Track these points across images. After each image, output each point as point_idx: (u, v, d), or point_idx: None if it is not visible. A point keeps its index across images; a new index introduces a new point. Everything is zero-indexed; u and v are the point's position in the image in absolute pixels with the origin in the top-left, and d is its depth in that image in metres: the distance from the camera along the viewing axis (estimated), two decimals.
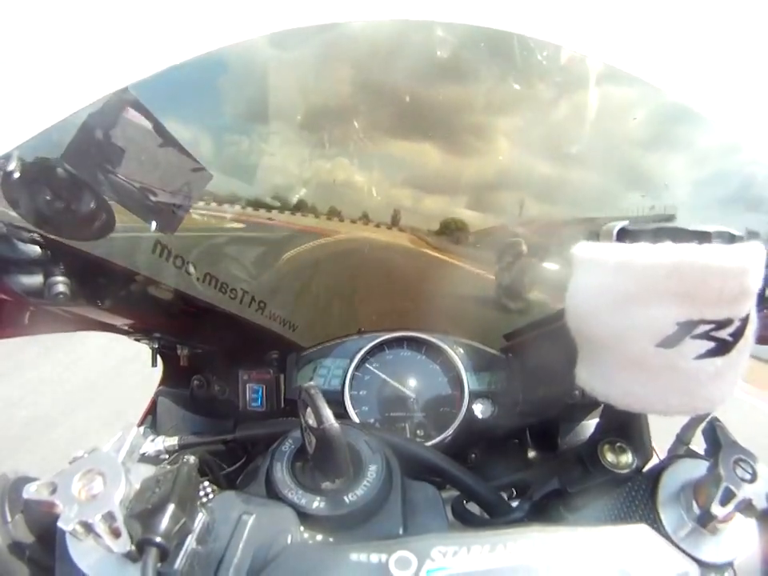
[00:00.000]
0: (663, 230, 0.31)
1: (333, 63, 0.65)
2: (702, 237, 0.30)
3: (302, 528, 0.31)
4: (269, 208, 0.73)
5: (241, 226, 0.73)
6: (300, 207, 0.75)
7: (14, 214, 0.44)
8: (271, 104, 0.66)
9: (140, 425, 0.74)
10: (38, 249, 0.46)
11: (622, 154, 0.69)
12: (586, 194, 0.71)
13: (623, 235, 0.33)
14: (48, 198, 0.46)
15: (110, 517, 0.25)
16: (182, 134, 0.55)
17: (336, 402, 0.67)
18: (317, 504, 0.33)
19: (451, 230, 0.76)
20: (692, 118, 0.60)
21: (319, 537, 0.31)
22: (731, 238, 0.31)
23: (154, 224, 0.54)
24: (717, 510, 0.30)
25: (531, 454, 0.71)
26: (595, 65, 0.61)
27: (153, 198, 0.52)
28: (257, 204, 0.73)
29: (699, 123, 0.61)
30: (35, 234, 0.46)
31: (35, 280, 0.47)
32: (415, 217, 0.77)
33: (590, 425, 0.70)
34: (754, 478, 0.31)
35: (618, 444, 0.43)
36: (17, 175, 0.43)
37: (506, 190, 0.75)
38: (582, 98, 0.63)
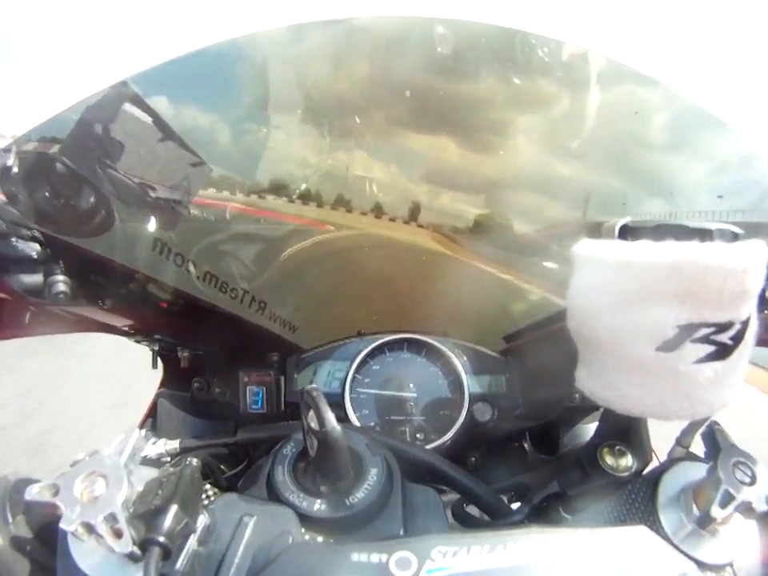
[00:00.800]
0: (665, 226, 0.31)
1: (347, 56, 0.65)
2: (704, 234, 0.30)
3: (302, 530, 0.31)
4: (273, 195, 0.73)
5: (242, 221, 0.73)
6: (310, 197, 0.75)
7: (14, 211, 0.44)
8: (285, 94, 0.66)
9: (141, 427, 0.74)
10: (38, 247, 0.46)
11: (640, 158, 0.69)
12: (605, 197, 0.71)
13: (625, 232, 0.33)
14: (47, 194, 0.46)
15: (112, 518, 0.25)
16: (197, 120, 0.55)
17: (336, 404, 0.67)
18: (317, 506, 0.33)
19: (491, 229, 0.75)
20: (713, 125, 0.61)
21: (320, 539, 0.31)
22: (733, 237, 0.31)
23: (153, 220, 0.54)
24: (716, 512, 0.30)
25: (531, 457, 0.71)
26: (617, 67, 0.61)
27: (152, 194, 0.52)
28: (265, 191, 0.73)
29: (720, 130, 0.61)
30: (35, 232, 0.46)
31: (35, 279, 0.47)
32: (435, 213, 0.77)
33: (590, 428, 0.70)
34: (753, 481, 0.31)
35: (618, 447, 0.43)
36: (15, 171, 0.43)
37: (526, 191, 0.75)
38: (601, 99, 0.63)
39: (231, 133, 0.67)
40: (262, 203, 0.73)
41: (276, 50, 0.62)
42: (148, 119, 0.48)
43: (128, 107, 0.47)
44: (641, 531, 0.28)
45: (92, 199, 0.48)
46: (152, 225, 0.55)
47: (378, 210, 0.76)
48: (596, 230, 0.35)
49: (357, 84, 0.67)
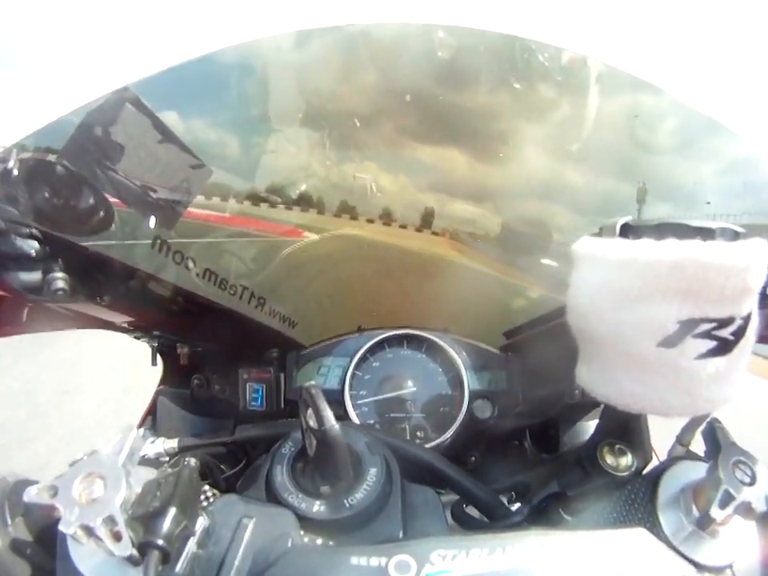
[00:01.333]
0: (666, 225, 0.31)
1: (349, 62, 0.65)
2: (706, 233, 0.30)
3: (302, 532, 0.31)
4: (271, 200, 0.73)
5: (234, 234, 0.73)
6: (311, 203, 0.74)
7: (13, 210, 0.44)
8: (285, 101, 0.66)
9: (140, 425, 0.74)
10: (36, 245, 0.46)
11: (645, 163, 0.69)
12: (614, 203, 0.70)
13: (626, 231, 0.33)
14: (47, 194, 0.46)
15: (110, 520, 0.25)
16: (199, 126, 0.55)
17: (336, 401, 0.67)
18: (317, 508, 0.33)
19: (499, 235, 0.74)
20: (718, 131, 0.60)
21: (319, 540, 0.31)
22: (734, 235, 0.31)
23: (152, 220, 0.54)
24: (716, 513, 0.30)
25: (531, 455, 0.71)
26: (619, 74, 0.61)
27: (152, 195, 0.52)
28: (260, 197, 0.72)
29: (725, 135, 0.60)
30: (34, 230, 0.46)
31: (34, 276, 0.47)
32: (445, 220, 0.75)
33: (590, 426, 0.70)
34: (753, 481, 0.31)
35: (618, 446, 0.43)
36: (15, 172, 0.43)
37: (534, 196, 0.75)
38: (606, 105, 0.63)
39: (231, 137, 0.67)
40: (256, 210, 0.72)
41: (277, 56, 0.61)
42: (148, 122, 0.48)
43: (128, 110, 0.47)
44: (640, 534, 0.28)
45: (91, 199, 0.48)
46: (151, 223, 0.55)
47: (386, 217, 0.74)
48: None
49: (356, 90, 0.66)
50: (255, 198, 0.72)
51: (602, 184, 0.72)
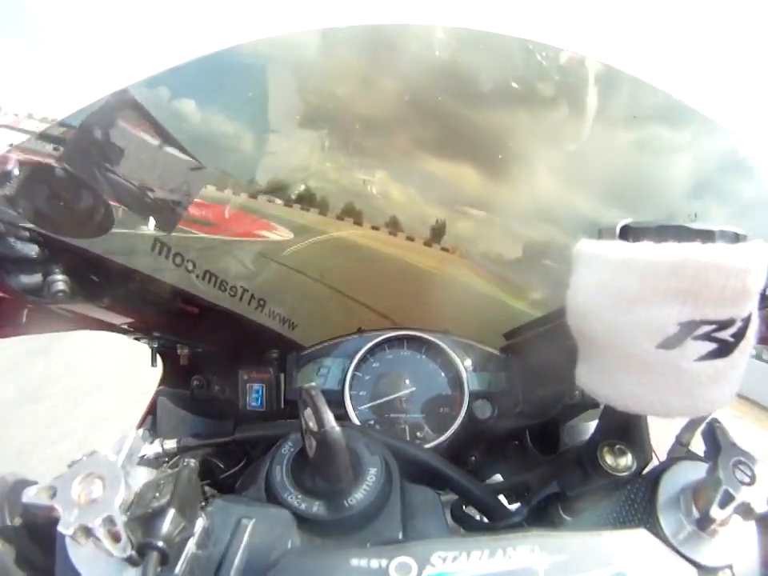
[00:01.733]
0: (666, 228, 0.31)
1: (350, 63, 0.64)
2: (706, 236, 0.30)
3: (301, 532, 0.31)
4: (270, 196, 0.72)
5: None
6: (314, 203, 0.73)
7: (13, 212, 0.44)
8: (286, 100, 0.65)
9: (140, 426, 0.74)
10: (36, 247, 0.47)
11: (663, 185, 0.68)
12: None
13: (626, 233, 0.33)
14: (47, 196, 0.46)
15: (109, 521, 0.25)
16: (209, 122, 0.55)
17: (336, 402, 0.67)
18: (316, 508, 0.33)
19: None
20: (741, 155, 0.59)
21: (319, 541, 0.31)
22: (735, 238, 0.31)
23: (152, 221, 0.54)
24: (716, 513, 0.30)
25: (531, 455, 0.71)
26: (654, 95, 0.60)
27: (151, 196, 0.52)
28: (260, 191, 0.71)
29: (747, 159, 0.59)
30: (34, 232, 0.46)
31: (34, 278, 0.47)
32: (452, 237, 0.74)
33: (591, 426, 0.70)
34: (753, 481, 0.31)
35: (618, 446, 0.42)
36: (15, 173, 0.43)
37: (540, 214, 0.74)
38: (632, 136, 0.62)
39: (244, 132, 0.66)
40: (254, 204, 0.72)
41: (293, 55, 0.60)
42: (148, 125, 0.48)
43: (128, 114, 0.47)
44: (640, 535, 0.28)
45: (91, 202, 0.48)
46: (151, 225, 0.55)
47: (393, 226, 0.73)
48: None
49: (371, 93, 0.65)
50: (259, 194, 0.72)
51: (617, 205, 0.71)
